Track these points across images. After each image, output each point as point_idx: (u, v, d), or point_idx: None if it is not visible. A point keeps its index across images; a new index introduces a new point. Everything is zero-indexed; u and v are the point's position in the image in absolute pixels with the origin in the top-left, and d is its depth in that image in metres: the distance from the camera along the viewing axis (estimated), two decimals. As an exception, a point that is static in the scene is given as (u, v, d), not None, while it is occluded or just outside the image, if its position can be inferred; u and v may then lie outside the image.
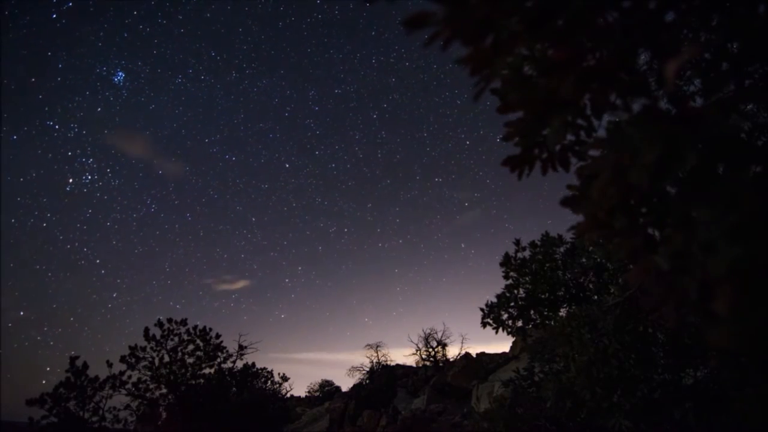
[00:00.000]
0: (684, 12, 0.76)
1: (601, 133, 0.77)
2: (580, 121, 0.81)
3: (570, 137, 0.84)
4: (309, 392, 29.02)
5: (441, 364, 22.44)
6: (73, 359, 11.41)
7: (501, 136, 0.89)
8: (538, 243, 6.54)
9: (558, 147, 0.88)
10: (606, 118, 0.76)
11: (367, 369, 24.27)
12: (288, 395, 16.69)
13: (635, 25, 0.71)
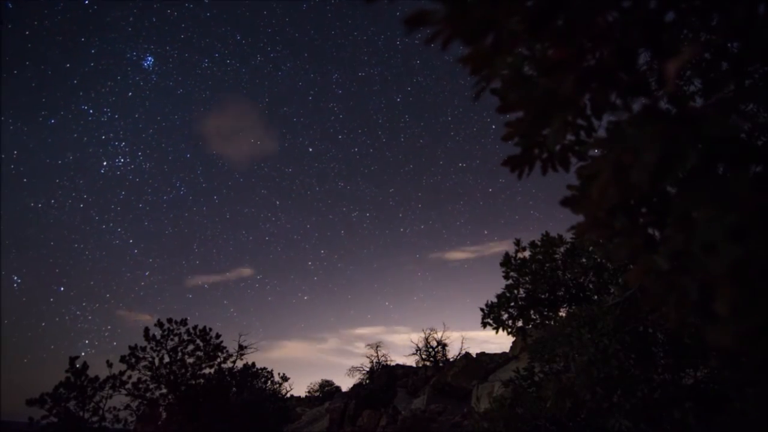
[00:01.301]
0: (684, 12, 0.76)
1: (601, 133, 0.77)
2: (580, 121, 0.81)
3: (570, 137, 0.84)
4: (309, 392, 29.01)
5: (441, 364, 22.43)
6: (72, 359, 11.41)
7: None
8: (538, 243, 6.54)
9: (558, 147, 0.88)
10: (606, 118, 0.76)
11: (367, 369, 24.27)
12: (288, 395, 16.69)
13: (635, 25, 0.71)
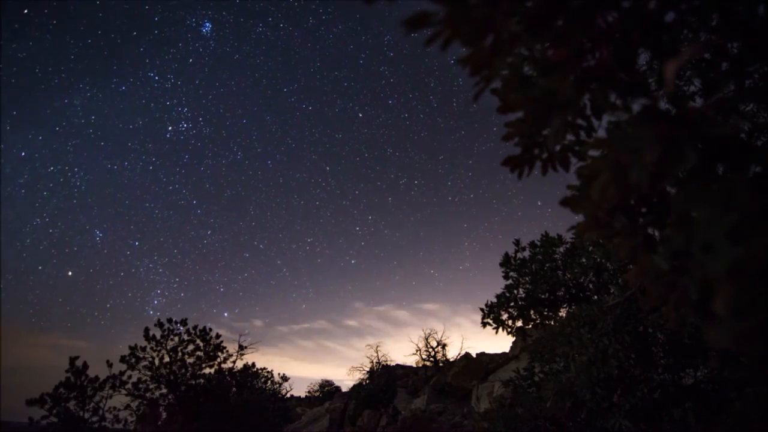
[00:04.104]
0: (684, 12, 0.76)
1: (601, 133, 0.77)
2: (580, 121, 0.81)
3: (570, 137, 0.84)
4: (309, 392, 29.03)
5: (441, 364, 22.45)
6: (72, 359, 11.41)
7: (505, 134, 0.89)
8: (538, 243, 6.54)
9: (558, 147, 0.88)
10: (606, 118, 0.76)
11: (367, 369, 24.27)
12: (288, 395, 16.70)
13: (635, 25, 0.71)
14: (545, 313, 6.27)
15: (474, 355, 21.22)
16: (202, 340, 12.94)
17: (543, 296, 6.24)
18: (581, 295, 6.21)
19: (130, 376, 11.94)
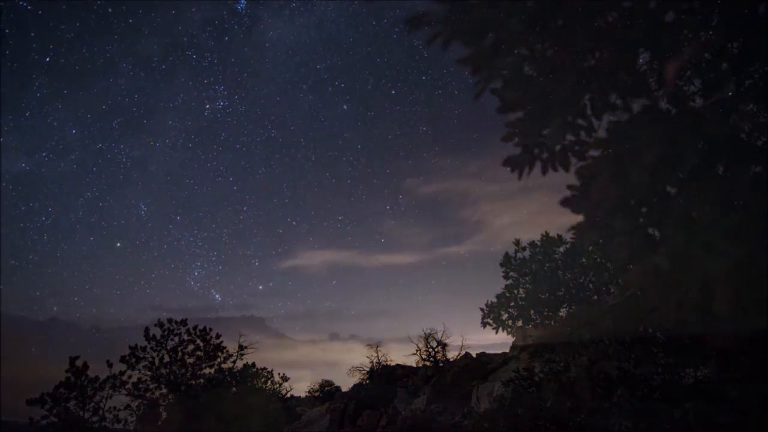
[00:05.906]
0: (684, 12, 0.76)
1: (601, 133, 0.77)
2: (580, 121, 0.81)
3: (570, 137, 0.84)
4: (309, 392, 29.01)
5: (441, 364, 22.42)
6: (72, 359, 11.41)
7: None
8: (538, 243, 6.53)
9: (558, 147, 0.88)
10: (606, 118, 0.76)
11: (367, 369, 24.25)
12: (288, 395, 16.69)
13: (635, 25, 0.71)
14: (545, 313, 6.27)
15: (474, 355, 21.20)
16: (202, 340, 12.92)
17: (543, 296, 6.24)
18: (581, 295, 6.20)
19: (130, 376, 11.93)
